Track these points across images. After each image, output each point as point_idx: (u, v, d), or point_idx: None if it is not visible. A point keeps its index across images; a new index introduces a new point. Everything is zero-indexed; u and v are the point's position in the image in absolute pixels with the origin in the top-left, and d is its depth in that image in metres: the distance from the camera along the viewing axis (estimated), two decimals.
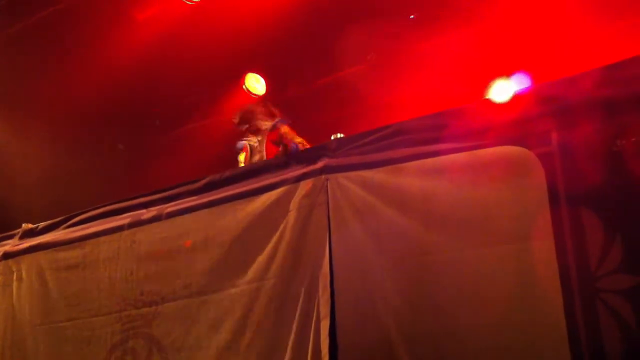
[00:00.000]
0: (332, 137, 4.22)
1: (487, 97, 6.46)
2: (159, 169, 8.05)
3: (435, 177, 3.41)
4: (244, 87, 8.16)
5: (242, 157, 5.40)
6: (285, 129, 5.22)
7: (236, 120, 5.39)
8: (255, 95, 8.17)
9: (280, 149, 4.68)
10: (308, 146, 4.97)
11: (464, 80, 6.93)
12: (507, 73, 6.79)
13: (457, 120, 3.51)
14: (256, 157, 5.16)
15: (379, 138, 3.73)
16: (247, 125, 5.37)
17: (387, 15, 7.13)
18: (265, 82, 8.26)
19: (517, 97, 3.49)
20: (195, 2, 6.99)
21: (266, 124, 5.32)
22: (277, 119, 5.31)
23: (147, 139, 8.86)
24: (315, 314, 3.50)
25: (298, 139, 5.08)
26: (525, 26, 6.62)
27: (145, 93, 8.10)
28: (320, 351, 3.40)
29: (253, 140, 5.31)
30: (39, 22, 7.13)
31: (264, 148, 5.12)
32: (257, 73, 8.25)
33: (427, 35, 7.11)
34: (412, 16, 7.23)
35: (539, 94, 3.47)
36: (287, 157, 4.30)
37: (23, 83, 7.68)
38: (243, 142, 5.31)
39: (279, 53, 7.67)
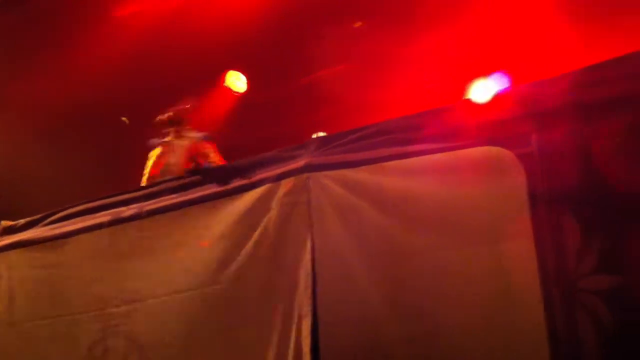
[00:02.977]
0: (314, 136, 4.22)
1: (467, 97, 6.50)
2: (142, 167, 8.00)
3: (416, 177, 3.43)
4: (224, 84, 8.14)
5: (156, 151, 5.41)
6: (209, 146, 5.25)
7: (164, 119, 5.39)
8: (236, 92, 8.16)
9: (193, 165, 4.69)
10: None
11: (444, 80, 6.97)
12: (487, 74, 6.84)
13: (438, 121, 3.54)
14: (171, 160, 5.19)
15: (360, 137, 3.75)
16: (174, 128, 5.40)
17: (367, 16, 7.16)
18: (247, 81, 8.24)
19: (497, 98, 3.52)
20: None
21: (193, 135, 5.36)
22: (204, 134, 5.34)
23: (131, 137, 8.80)
24: (296, 313, 3.51)
25: (216, 160, 5.09)
26: (505, 27, 6.67)
27: (127, 91, 8.05)
28: (301, 350, 3.41)
29: (171, 139, 5.33)
30: (21, 20, 7.07)
31: (181, 157, 5.15)
32: (238, 71, 8.23)
33: (408, 36, 7.14)
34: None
35: (518, 95, 3.50)
36: (201, 175, 4.34)
37: (5, 82, 7.61)
38: (156, 141, 5.34)
39: (260, 52, 7.66)
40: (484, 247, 3.19)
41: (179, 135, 5.40)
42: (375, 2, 7.02)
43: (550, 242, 3.05)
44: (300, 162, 3.84)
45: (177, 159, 5.15)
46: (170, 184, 4.48)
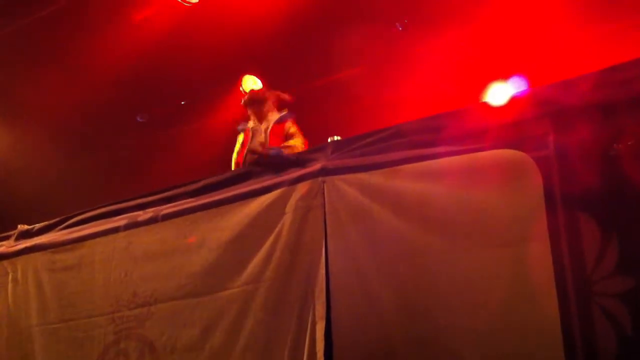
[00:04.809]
0: (329, 140, 4.21)
1: (484, 100, 6.46)
2: (156, 171, 8.04)
3: (432, 180, 3.40)
4: (241, 88, 8.14)
5: (241, 138, 5.37)
6: (291, 125, 5.20)
7: (245, 100, 5.36)
8: None
9: (257, 157, 4.64)
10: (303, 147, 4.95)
11: (461, 83, 6.93)
12: (504, 76, 6.80)
13: (455, 123, 3.51)
14: (255, 142, 5.13)
15: (376, 141, 3.73)
16: (253, 108, 5.34)
17: (384, 18, 7.14)
18: (262, 83, 8.24)
19: (514, 100, 3.48)
20: (192, 3, 6.98)
21: (274, 115, 5.31)
22: (285, 113, 5.29)
23: (145, 140, 8.85)
24: (311, 316, 3.49)
25: (299, 141, 5.04)
26: (523, 29, 6.63)
27: (142, 94, 8.09)
28: (315, 354, 3.40)
29: (256, 125, 5.28)
30: (36, 23, 7.11)
31: (268, 137, 5.10)
32: (254, 75, 8.23)
33: (424, 38, 7.12)
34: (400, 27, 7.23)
35: (535, 97, 3.46)
36: (265, 163, 4.30)
37: (19, 84, 7.67)
38: (243, 126, 5.30)
39: (276, 55, 7.66)
40: (500, 250, 3.15)
41: (260, 118, 5.36)
42: (393, 3, 6.99)
43: (567, 245, 3.01)
44: (315, 166, 3.83)
45: (262, 143, 5.11)
46: (186, 188, 4.49)
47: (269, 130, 5.24)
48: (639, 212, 2.94)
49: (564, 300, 2.96)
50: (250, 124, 5.48)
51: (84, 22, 7.09)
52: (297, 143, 5.07)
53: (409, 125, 3.74)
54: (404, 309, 3.32)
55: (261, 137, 5.23)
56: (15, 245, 5.02)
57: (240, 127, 5.40)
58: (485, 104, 3.87)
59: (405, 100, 7.09)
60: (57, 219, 4.98)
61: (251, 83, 8.19)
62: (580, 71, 3.34)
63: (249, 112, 5.45)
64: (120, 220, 4.54)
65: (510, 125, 3.32)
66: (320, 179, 3.75)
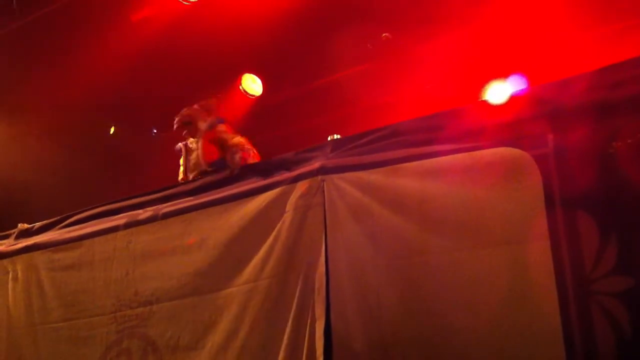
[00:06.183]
0: (329, 138, 4.21)
1: (483, 98, 6.47)
2: (155, 170, 8.03)
3: (431, 179, 3.41)
4: (240, 87, 8.14)
5: (181, 160, 5.44)
6: (222, 127, 5.23)
7: (176, 127, 5.40)
8: (251, 95, 8.16)
9: (230, 161, 4.65)
10: (249, 146, 4.98)
11: (460, 82, 6.94)
12: (503, 75, 6.81)
13: (454, 122, 3.52)
14: (192, 156, 5.18)
15: (375, 139, 3.74)
16: (187, 129, 5.40)
17: (383, 18, 7.14)
18: (262, 83, 8.24)
19: (513, 99, 3.49)
20: (191, 2, 6.97)
21: (203, 124, 5.34)
22: (214, 119, 5.32)
23: (144, 139, 8.85)
24: (310, 315, 3.50)
25: (237, 139, 5.07)
26: (522, 28, 6.64)
27: (141, 94, 8.08)
28: (315, 352, 3.40)
29: (190, 141, 5.33)
30: (34, 23, 7.11)
31: (201, 146, 5.13)
32: (253, 74, 8.23)
33: (424, 37, 7.12)
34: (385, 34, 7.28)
35: (534, 96, 3.47)
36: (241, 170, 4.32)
37: (18, 83, 7.66)
38: (179, 145, 5.35)
39: (275, 54, 7.66)
40: (500, 248, 3.16)
41: (194, 134, 5.42)
42: (391, 4, 7.00)
43: (566, 244, 3.02)
44: (315, 164, 3.84)
45: (195, 155, 5.16)
46: (186, 187, 4.50)
47: (200, 141, 5.28)
48: (638, 210, 2.94)
49: (564, 299, 2.97)
50: (187, 141, 5.53)
51: (83, 22, 7.08)
52: (238, 139, 5.10)
53: (408, 124, 3.75)
54: (404, 307, 3.32)
55: (196, 151, 5.27)
56: (15, 244, 5.02)
57: (177, 148, 5.44)
58: (486, 103, 3.87)
59: (405, 100, 7.10)
60: (57, 218, 4.99)
61: (250, 82, 8.23)
62: (579, 71, 3.34)
63: (184, 134, 5.51)
64: (120, 219, 4.55)
65: (510, 124, 3.33)
66: (319, 177, 3.75)
